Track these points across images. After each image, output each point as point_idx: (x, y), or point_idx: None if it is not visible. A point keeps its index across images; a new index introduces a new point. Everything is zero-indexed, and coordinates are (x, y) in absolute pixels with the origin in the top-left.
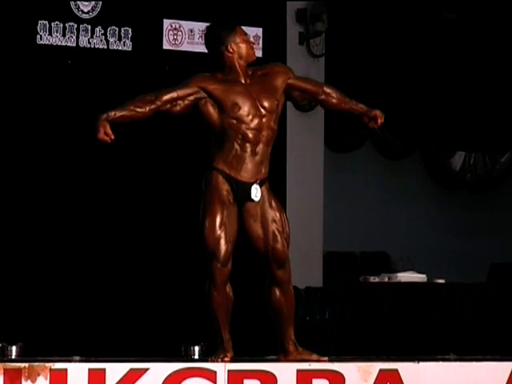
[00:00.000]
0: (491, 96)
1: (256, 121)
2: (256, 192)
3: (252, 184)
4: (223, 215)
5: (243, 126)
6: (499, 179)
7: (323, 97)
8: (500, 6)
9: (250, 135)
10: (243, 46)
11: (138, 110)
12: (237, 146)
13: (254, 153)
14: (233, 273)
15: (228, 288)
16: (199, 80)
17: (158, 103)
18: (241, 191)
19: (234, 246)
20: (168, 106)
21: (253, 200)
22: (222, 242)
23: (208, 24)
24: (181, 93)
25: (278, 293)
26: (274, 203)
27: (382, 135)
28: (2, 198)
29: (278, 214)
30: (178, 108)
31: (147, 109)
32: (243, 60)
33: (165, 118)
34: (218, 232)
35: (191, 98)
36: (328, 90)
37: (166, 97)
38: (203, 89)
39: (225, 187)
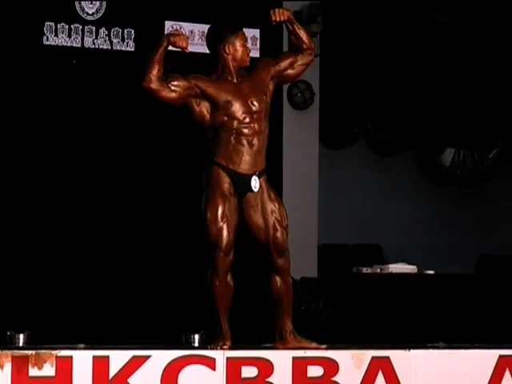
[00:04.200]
0: (480, 95)
1: (248, 118)
2: (255, 183)
3: (251, 176)
4: (225, 207)
5: (235, 122)
6: (487, 175)
7: (301, 52)
8: (491, 10)
9: (244, 130)
10: (240, 50)
11: (158, 67)
12: (233, 141)
13: (250, 145)
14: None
15: (229, 278)
16: (193, 77)
17: (165, 80)
18: (241, 183)
19: (235, 236)
20: (169, 86)
21: (252, 191)
22: (225, 232)
23: (211, 24)
24: (181, 80)
25: (278, 281)
26: (272, 195)
27: (375, 133)
28: (8, 192)
29: (276, 205)
30: (174, 95)
31: (159, 74)
32: (237, 63)
33: (164, 114)
34: (221, 223)
35: (186, 90)
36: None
37: (173, 76)
38: (197, 86)
39: (225, 180)
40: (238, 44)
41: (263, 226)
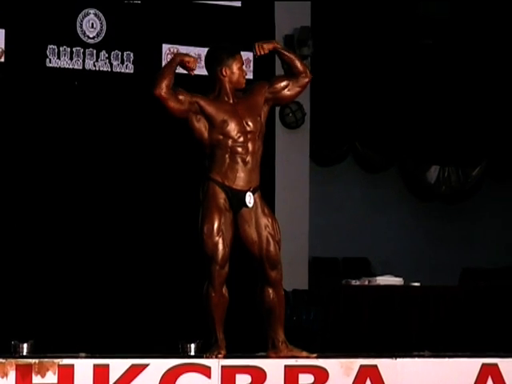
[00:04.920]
0: (464, 115)
1: (242, 137)
2: (250, 199)
3: (246, 192)
4: (220, 222)
5: (230, 140)
6: (471, 191)
7: (295, 76)
8: (473, 32)
9: (238, 148)
10: (236, 73)
11: (169, 78)
12: (228, 158)
13: (244, 162)
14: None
15: (224, 289)
16: (195, 95)
17: (174, 91)
18: (236, 199)
19: (230, 249)
20: (177, 97)
21: (247, 206)
22: (220, 246)
23: (210, 47)
24: (186, 94)
25: (270, 293)
26: (266, 210)
27: (363, 151)
28: (16, 204)
29: (270, 220)
30: (179, 106)
31: (169, 85)
32: (233, 85)
33: (162, 132)
34: (216, 237)
35: (189, 104)
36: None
37: (180, 90)
38: (198, 103)
39: (221, 196)
40: (234, 67)
41: (257, 240)
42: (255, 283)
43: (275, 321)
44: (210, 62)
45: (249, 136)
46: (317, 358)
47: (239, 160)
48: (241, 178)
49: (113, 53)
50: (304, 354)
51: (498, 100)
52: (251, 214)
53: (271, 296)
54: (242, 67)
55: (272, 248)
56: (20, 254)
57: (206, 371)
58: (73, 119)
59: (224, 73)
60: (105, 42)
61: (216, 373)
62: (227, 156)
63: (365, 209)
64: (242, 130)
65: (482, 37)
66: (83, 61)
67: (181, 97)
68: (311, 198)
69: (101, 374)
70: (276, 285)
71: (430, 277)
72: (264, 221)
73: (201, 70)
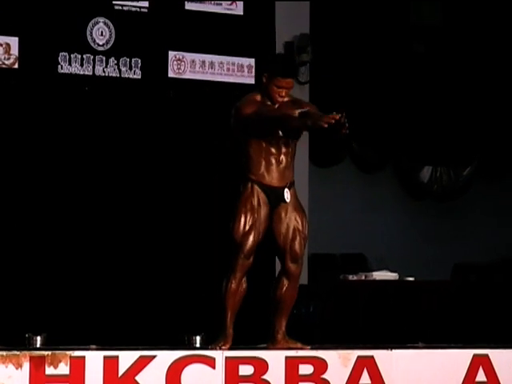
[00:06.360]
0: (455, 118)
1: (274, 140)
2: (287, 195)
3: (283, 188)
4: (254, 216)
5: (264, 143)
6: (461, 190)
7: None
8: (463, 40)
9: (272, 150)
10: (273, 90)
11: None
12: (263, 160)
13: (278, 162)
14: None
15: (244, 280)
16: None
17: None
18: (274, 195)
19: (258, 243)
20: None
21: (285, 202)
22: (250, 237)
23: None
24: None
25: (286, 285)
26: (298, 206)
27: (360, 152)
28: (26, 201)
29: (300, 215)
30: None
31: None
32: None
33: (167, 136)
34: (247, 228)
35: None
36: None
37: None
38: None
39: (258, 192)
40: (273, 83)
41: (284, 232)
42: (268, 279)
43: (281, 312)
44: (266, 62)
45: (281, 140)
46: (313, 349)
47: (274, 160)
48: (276, 177)
49: (121, 59)
50: (298, 345)
51: (488, 105)
52: (285, 209)
53: (285, 288)
54: (280, 91)
55: (297, 242)
56: (34, 250)
57: (210, 362)
58: (83, 123)
59: (264, 79)
60: (114, 49)
61: (220, 364)
62: (262, 157)
63: (361, 207)
64: (276, 135)
65: (474, 43)
66: (93, 67)
67: None
68: (310, 197)
69: (111, 365)
70: (293, 278)
71: (424, 272)
72: (295, 215)
73: (204, 76)
